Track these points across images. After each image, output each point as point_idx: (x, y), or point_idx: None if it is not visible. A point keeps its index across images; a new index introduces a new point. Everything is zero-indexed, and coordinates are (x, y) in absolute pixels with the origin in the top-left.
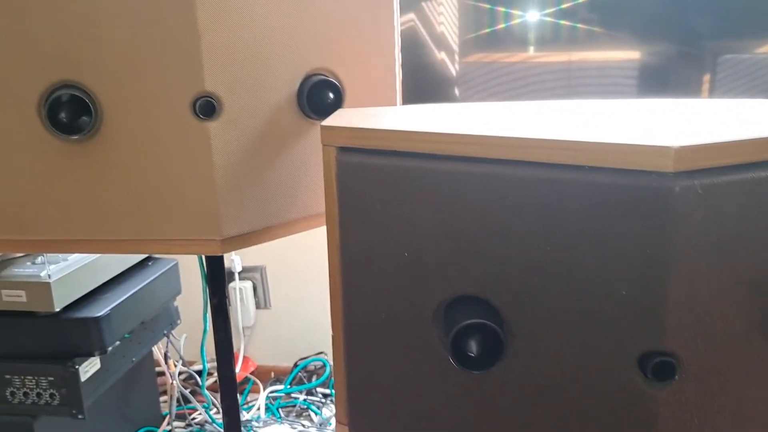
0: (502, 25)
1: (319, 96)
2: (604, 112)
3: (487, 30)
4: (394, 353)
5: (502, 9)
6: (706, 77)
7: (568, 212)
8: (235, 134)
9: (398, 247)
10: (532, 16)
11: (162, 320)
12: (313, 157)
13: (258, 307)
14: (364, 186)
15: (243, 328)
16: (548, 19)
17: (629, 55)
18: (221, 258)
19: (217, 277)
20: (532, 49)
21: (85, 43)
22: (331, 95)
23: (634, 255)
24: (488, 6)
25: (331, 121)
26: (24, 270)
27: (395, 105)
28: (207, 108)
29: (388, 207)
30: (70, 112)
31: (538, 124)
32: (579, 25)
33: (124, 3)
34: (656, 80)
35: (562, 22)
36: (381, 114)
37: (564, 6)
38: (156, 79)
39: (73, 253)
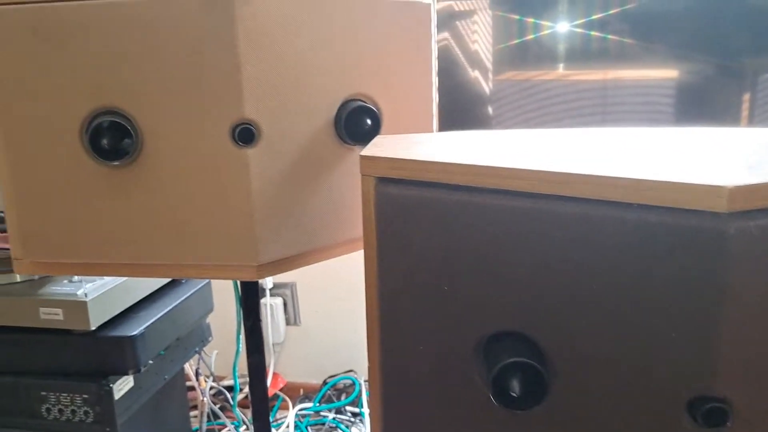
0: (536, 43)
1: (356, 122)
2: (647, 143)
3: (522, 48)
4: (433, 388)
5: (536, 27)
6: (746, 96)
7: (614, 250)
8: (272, 160)
9: (438, 280)
10: (567, 33)
11: (194, 338)
12: (349, 182)
13: (288, 323)
14: (404, 217)
15: (273, 344)
16: (583, 36)
17: (666, 73)
18: (256, 281)
19: (251, 300)
20: (567, 66)
21: (126, 70)
22: (369, 121)
23: (685, 297)
24: (523, 24)
25: (370, 150)
26: (61, 288)
27: (432, 130)
28: (246, 135)
29: (427, 239)
30: (112, 139)
31: (583, 156)
32: (614, 43)
33: (165, 32)
34: (694, 99)
35: (598, 39)
36: (421, 142)
37: (599, 24)
38: (196, 106)
39: (112, 276)
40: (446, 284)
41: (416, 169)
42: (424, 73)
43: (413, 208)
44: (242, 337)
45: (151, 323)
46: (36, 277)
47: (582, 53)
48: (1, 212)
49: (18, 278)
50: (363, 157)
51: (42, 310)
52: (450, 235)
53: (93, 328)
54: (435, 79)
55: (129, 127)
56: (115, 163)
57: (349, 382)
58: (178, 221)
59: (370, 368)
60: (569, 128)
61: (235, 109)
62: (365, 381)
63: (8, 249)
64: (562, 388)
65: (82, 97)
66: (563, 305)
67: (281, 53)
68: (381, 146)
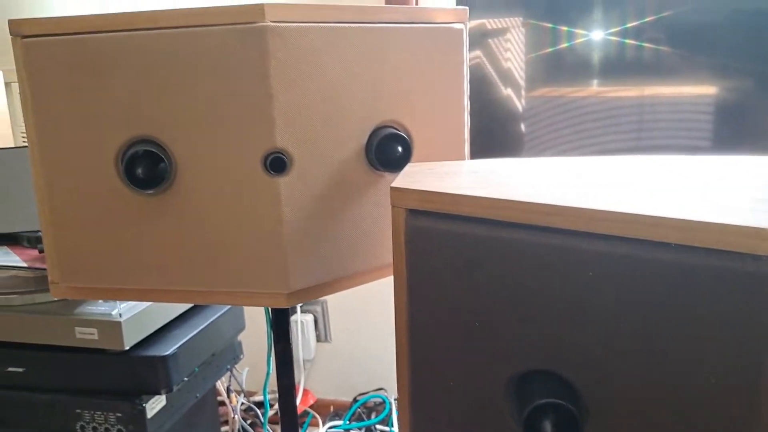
0: (571, 60)
1: (388, 149)
2: (684, 175)
3: (556, 64)
4: (463, 424)
5: (571, 41)
6: None
7: (651, 291)
8: (304, 189)
9: (469, 316)
10: (602, 48)
11: (226, 355)
12: (380, 209)
13: (318, 340)
14: (435, 251)
15: (303, 360)
16: (619, 51)
17: (706, 89)
18: None
19: (281, 324)
20: (602, 83)
21: (161, 100)
22: (400, 149)
23: (725, 341)
24: (557, 40)
25: (401, 181)
26: (96, 308)
27: (464, 156)
28: (278, 164)
29: (459, 274)
30: (146, 168)
31: (618, 190)
32: (651, 58)
33: (200, 63)
34: (732, 117)
35: (634, 54)
36: (453, 173)
37: (636, 38)
38: (229, 135)
39: (146, 301)
40: (477, 320)
41: (447, 203)
42: (457, 99)
43: (444, 241)
44: (272, 358)
45: (184, 343)
46: None
47: (617, 69)
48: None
49: (50, 297)
50: (394, 189)
51: (78, 329)
52: (481, 270)
53: (127, 348)
54: (467, 104)
55: (163, 156)
56: (150, 191)
57: (379, 400)
58: (210, 248)
59: (399, 400)
60: (603, 155)
61: (267, 139)
62: (395, 399)
63: (45, 269)
64: (594, 428)
65: (119, 126)
66: (597, 345)
67: (312, 83)
68: (412, 176)
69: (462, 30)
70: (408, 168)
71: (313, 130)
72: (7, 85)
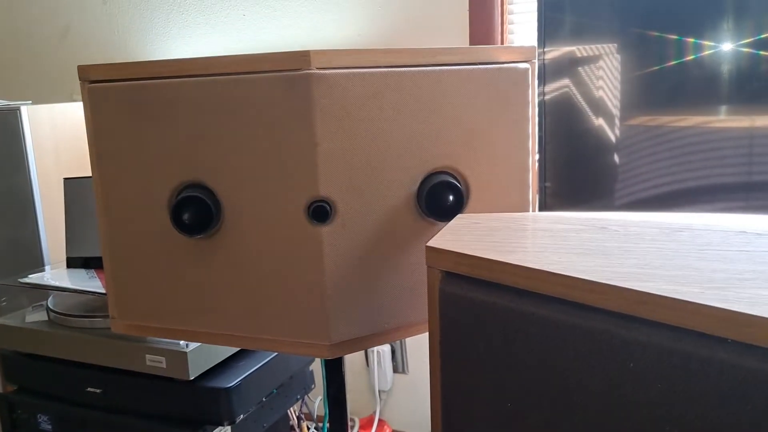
0: (669, 86)
1: (438, 198)
2: None
3: (653, 91)
4: None
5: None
6: None
7: (699, 391)
8: (348, 237)
9: (501, 394)
10: (707, 71)
11: (296, 386)
12: None
13: (395, 371)
14: (468, 320)
15: (379, 391)
16: (727, 74)
17: None
18: None
19: (334, 368)
20: (707, 111)
21: (211, 145)
22: (452, 198)
23: None
24: (655, 65)
25: (442, 237)
26: None
27: (527, 203)
28: (320, 213)
29: (491, 348)
30: (193, 213)
31: (681, 264)
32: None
33: (248, 110)
34: None
35: (745, 78)
36: (500, 228)
37: (747, 59)
38: (275, 182)
39: (193, 342)
40: (510, 401)
41: (481, 267)
42: (520, 142)
43: (477, 310)
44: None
45: (248, 375)
46: None
47: (728, 97)
48: None
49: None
50: (429, 249)
51: (148, 356)
52: (516, 347)
53: (192, 378)
54: (533, 147)
55: (210, 203)
56: (198, 236)
57: None
58: (254, 294)
59: None
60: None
61: (310, 187)
62: None
63: None
64: None
65: (172, 170)
66: None
67: (359, 130)
68: (455, 231)
69: (527, 70)
70: (456, 221)
71: (359, 177)
72: None
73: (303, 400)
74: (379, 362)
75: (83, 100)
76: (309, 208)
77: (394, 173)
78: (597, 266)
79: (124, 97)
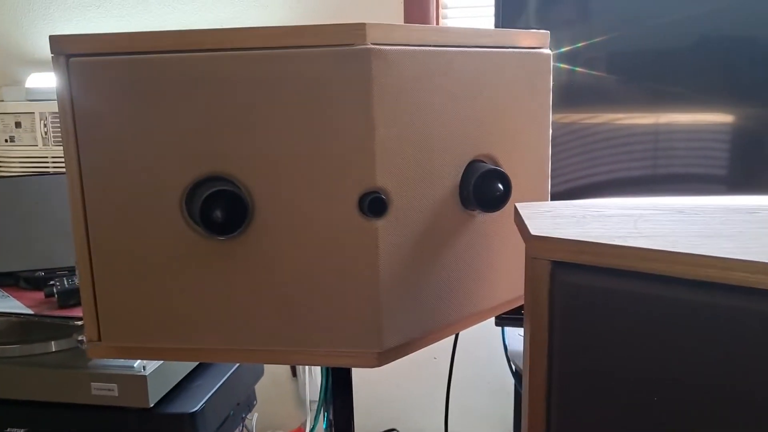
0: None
1: (487, 187)
2: None
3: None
4: None
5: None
6: None
7: None
8: (401, 232)
9: (635, 392)
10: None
11: (245, 404)
12: (471, 252)
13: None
14: (591, 312)
15: (310, 401)
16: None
17: (722, 118)
18: None
19: (342, 380)
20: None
21: (240, 132)
22: (501, 186)
23: None
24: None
25: (537, 227)
26: (114, 360)
27: (547, 194)
28: (377, 205)
29: (623, 342)
30: (224, 209)
31: None
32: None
33: (289, 90)
34: (752, 146)
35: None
36: (587, 217)
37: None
38: (319, 172)
39: (206, 361)
40: (652, 394)
41: (610, 255)
42: (543, 130)
43: (604, 301)
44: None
45: (211, 396)
46: (84, 345)
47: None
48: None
49: (54, 347)
50: (536, 238)
51: (94, 385)
52: (655, 339)
53: (152, 405)
54: (550, 136)
55: (244, 197)
56: (223, 237)
57: None
58: (289, 303)
59: None
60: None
61: (366, 177)
62: None
63: (67, 318)
64: None
65: (184, 161)
66: None
67: (413, 113)
68: (533, 219)
69: (549, 56)
70: (524, 210)
71: (410, 166)
72: None
73: (243, 420)
74: (309, 371)
75: (59, 79)
76: (363, 200)
77: (443, 161)
78: (723, 246)
79: (124, 75)
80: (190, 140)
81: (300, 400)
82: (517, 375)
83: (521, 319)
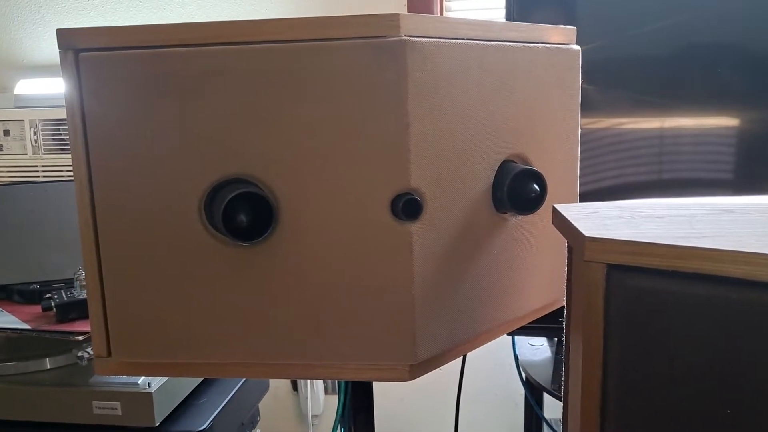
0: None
1: (522, 188)
2: None
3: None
4: None
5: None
6: None
7: None
8: (435, 236)
9: (692, 403)
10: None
11: (249, 422)
12: (505, 256)
13: (327, 392)
14: (653, 317)
15: (312, 416)
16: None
17: (728, 122)
18: None
19: (363, 393)
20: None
21: (265, 131)
22: (537, 188)
23: None
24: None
25: (588, 229)
26: (116, 377)
27: (576, 198)
28: (412, 207)
29: (693, 350)
30: (249, 214)
31: None
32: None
33: (318, 86)
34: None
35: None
36: (637, 218)
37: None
38: (349, 172)
39: (238, 377)
40: (727, 409)
41: (673, 257)
42: (573, 129)
43: (669, 305)
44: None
45: (218, 413)
46: (84, 361)
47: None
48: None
49: (48, 364)
50: (591, 240)
51: (95, 404)
52: (726, 346)
53: (158, 424)
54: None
55: (268, 201)
56: (246, 243)
57: None
58: (315, 313)
59: None
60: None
61: (400, 177)
62: None
63: (68, 332)
64: None
65: (205, 163)
66: None
67: (448, 110)
68: (580, 221)
69: (579, 52)
70: (566, 212)
71: (445, 166)
72: None
73: None
74: (310, 384)
75: (67, 76)
76: (396, 202)
77: (476, 161)
78: None
79: (139, 70)
80: (210, 140)
81: (301, 415)
82: (528, 385)
83: (533, 329)
